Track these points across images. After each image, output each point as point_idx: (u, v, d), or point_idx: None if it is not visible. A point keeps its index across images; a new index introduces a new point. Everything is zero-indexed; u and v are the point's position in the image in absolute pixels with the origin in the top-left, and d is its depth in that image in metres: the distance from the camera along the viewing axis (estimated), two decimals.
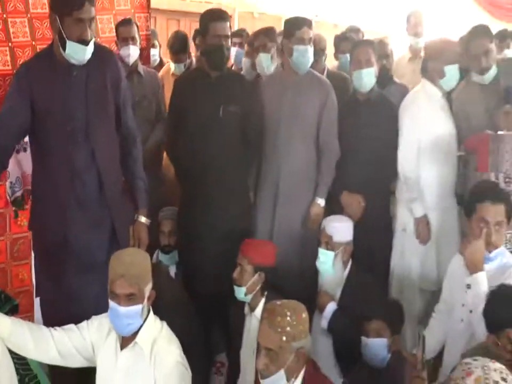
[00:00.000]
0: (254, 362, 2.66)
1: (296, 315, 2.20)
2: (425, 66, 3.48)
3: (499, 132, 3.23)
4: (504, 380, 1.69)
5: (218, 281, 3.11)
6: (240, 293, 2.86)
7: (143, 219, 2.94)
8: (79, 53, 2.60)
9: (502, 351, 2.16)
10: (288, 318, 2.16)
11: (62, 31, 2.58)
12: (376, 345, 2.64)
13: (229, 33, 3.33)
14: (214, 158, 3.28)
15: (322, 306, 3.01)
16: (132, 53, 3.79)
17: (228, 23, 3.34)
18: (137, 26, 3.88)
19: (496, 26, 5.70)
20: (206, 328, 3.20)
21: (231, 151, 3.32)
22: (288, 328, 2.14)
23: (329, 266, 3.03)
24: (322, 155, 3.45)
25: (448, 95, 3.52)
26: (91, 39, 2.61)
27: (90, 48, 2.61)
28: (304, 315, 2.24)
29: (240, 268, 2.87)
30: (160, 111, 3.97)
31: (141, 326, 2.33)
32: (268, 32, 4.04)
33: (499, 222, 2.62)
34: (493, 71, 3.44)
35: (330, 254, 3.03)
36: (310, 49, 3.41)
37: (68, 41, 2.58)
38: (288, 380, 2.18)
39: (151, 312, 2.39)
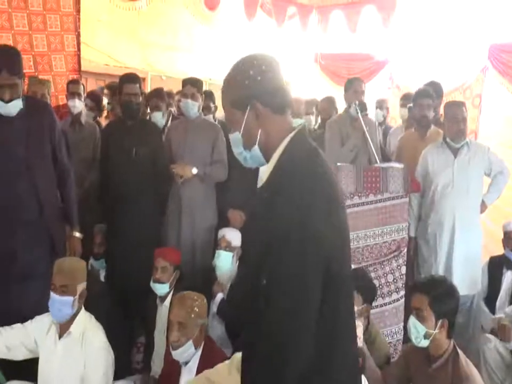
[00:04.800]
0: (164, 340, 2.66)
1: (200, 300, 2.26)
2: None
3: (338, 164, 3.34)
4: None
5: (135, 280, 3.05)
6: (164, 289, 2.77)
7: (77, 234, 2.86)
8: (2, 108, 2.51)
9: None
10: (195, 301, 2.22)
11: None
12: None
13: (138, 92, 3.29)
14: (129, 188, 3.22)
15: (215, 294, 3.00)
16: (77, 105, 3.68)
17: (138, 84, 3.30)
18: (83, 85, 3.75)
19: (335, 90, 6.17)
20: (128, 317, 3.11)
21: (142, 181, 3.25)
22: (195, 308, 2.19)
23: (229, 263, 3.03)
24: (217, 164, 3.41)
25: None
26: (14, 99, 2.50)
27: (12, 104, 2.51)
28: (205, 301, 2.31)
29: (162, 269, 2.77)
30: (96, 154, 3.76)
31: (74, 318, 2.26)
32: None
33: None
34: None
35: (229, 254, 3.03)
36: (191, 101, 3.33)
37: None
38: (195, 348, 2.19)
39: (83, 309, 2.32)
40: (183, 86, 3.41)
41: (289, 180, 1.24)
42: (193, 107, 3.37)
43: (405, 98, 4.56)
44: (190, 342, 2.16)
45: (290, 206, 1.19)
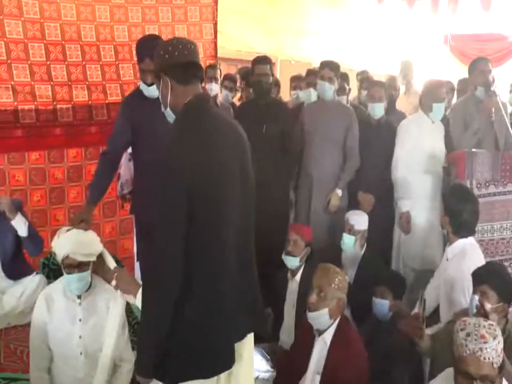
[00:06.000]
0: (294, 314, 2.71)
1: (342, 275, 2.24)
2: (420, 101, 3.36)
3: (473, 150, 3.15)
4: (489, 333, 1.63)
5: (263, 255, 3.08)
6: (295, 261, 2.77)
7: None
8: (145, 90, 2.67)
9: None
10: (338, 274, 2.20)
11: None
12: (380, 304, 2.59)
13: (269, 72, 3.31)
14: (258, 163, 3.18)
15: None
16: (214, 88, 3.81)
17: (268, 66, 3.32)
18: (220, 71, 3.88)
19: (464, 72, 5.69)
20: None
21: (272, 158, 3.26)
22: (336, 280, 2.17)
23: (351, 247, 2.99)
24: (347, 161, 3.36)
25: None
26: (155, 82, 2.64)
27: (153, 87, 2.58)
28: (346, 278, 2.26)
29: (294, 243, 2.78)
30: None
31: None
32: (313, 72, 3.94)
33: None
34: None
35: (352, 238, 2.98)
36: (328, 84, 3.28)
37: (140, 81, 2.70)
38: (330, 318, 2.17)
39: None
40: (321, 68, 3.37)
41: (174, 129, 1.66)
42: (329, 90, 3.33)
43: None
44: (326, 310, 2.14)
45: (170, 146, 1.60)
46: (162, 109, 1.73)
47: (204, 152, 1.53)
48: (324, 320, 2.15)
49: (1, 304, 3.00)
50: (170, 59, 1.60)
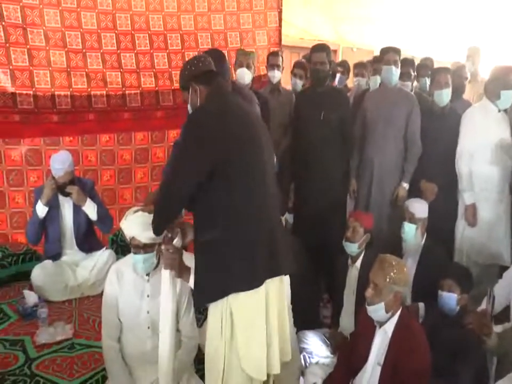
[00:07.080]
0: (354, 300, 2.62)
1: (400, 266, 2.08)
2: (486, 88, 3.12)
3: None
4: None
5: (318, 239, 3.06)
6: (353, 248, 2.68)
7: None
8: None
9: None
10: (393, 267, 2.06)
11: None
12: (447, 298, 2.39)
13: (325, 60, 3.20)
14: (316, 149, 3.21)
15: None
16: (276, 75, 3.73)
17: (325, 54, 3.22)
18: (282, 58, 3.81)
19: None
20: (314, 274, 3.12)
21: (329, 144, 3.22)
22: (392, 274, 2.04)
23: (412, 236, 2.82)
24: (409, 150, 3.22)
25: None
26: None
27: None
28: (405, 269, 2.10)
29: (353, 229, 2.69)
30: (291, 118, 3.76)
31: None
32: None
33: None
34: None
35: (413, 226, 2.81)
36: (394, 68, 3.15)
37: None
38: (386, 312, 2.06)
39: None
40: (385, 53, 3.24)
41: (195, 111, 1.92)
42: (395, 74, 3.19)
43: None
44: (382, 304, 2.04)
45: (190, 121, 1.85)
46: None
47: (228, 110, 1.82)
48: (381, 314, 2.06)
49: (75, 276, 3.14)
50: (197, 69, 1.94)
